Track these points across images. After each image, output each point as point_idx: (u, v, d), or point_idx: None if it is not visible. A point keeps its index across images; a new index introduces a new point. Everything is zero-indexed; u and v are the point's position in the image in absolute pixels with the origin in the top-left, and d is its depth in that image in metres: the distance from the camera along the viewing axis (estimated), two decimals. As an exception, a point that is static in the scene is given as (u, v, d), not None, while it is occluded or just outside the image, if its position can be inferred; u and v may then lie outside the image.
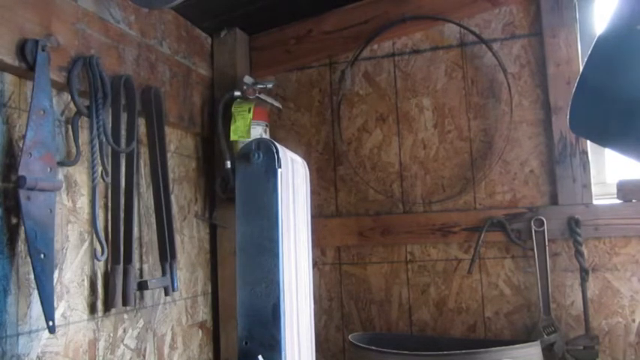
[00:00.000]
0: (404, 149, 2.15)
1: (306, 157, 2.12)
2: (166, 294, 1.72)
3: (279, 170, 1.45)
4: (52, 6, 1.38)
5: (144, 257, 1.71)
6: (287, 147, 1.62)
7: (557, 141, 1.97)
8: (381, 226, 2.11)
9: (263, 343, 1.40)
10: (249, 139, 1.78)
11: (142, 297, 1.69)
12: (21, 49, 1.27)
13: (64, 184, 1.41)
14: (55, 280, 1.34)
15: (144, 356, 1.69)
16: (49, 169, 1.29)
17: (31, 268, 1.25)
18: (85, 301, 1.48)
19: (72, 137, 1.43)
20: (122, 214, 1.56)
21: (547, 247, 1.92)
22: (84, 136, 1.47)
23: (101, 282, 1.53)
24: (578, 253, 1.87)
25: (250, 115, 1.99)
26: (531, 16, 2.05)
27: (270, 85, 2.09)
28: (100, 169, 1.45)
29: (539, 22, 2.03)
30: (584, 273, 1.86)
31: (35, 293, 1.27)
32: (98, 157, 1.44)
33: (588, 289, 1.88)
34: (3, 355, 1.21)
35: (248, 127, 1.98)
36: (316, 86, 2.27)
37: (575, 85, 1.36)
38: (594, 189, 1.95)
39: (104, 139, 1.46)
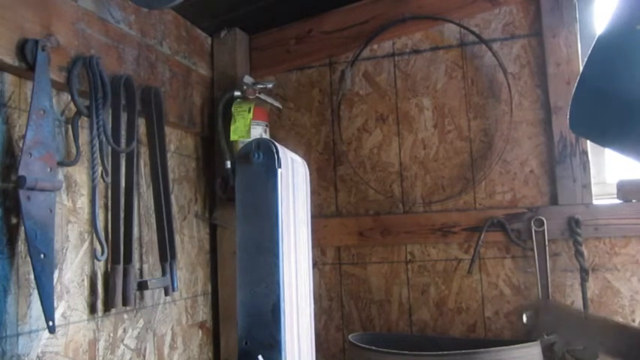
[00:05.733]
0: (404, 149, 2.15)
1: (306, 157, 2.11)
2: (166, 294, 1.72)
3: (279, 170, 1.45)
4: (52, 6, 1.38)
5: (144, 257, 1.71)
6: (287, 147, 1.62)
7: (557, 141, 1.97)
8: (381, 226, 2.11)
9: (263, 343, 1.40)
10: (249, 139, 1.78)
11: (142, 297, 1.69)
12: (21, 49, 1.27)
13: (64, 184, 1.41)
14: (55, 280, 1.34)
15: (144, 356, 1.69)
16: (49, 169, 1.29)
17: (31, 268, 1.25)
18: (85, 301, 1.48)
19: (72, 137, 1.43)
20: (122, 214, 1.55)
21: (547, 247, 1.92)
22: (84, 136, 1.47)
23: (101, 282, 1.53)
24: (578, 253, 1.87)
25: (250, 115, 1.99)
26: (531, 16, 2.05)
27: (270, 85, 2.09)
28: (100, 169, 1.45)
29: (539, 22, 2.03)
30: (584, 273, 1.86)
31: (35, 293, 1.27)
32: (98, 157, 1.44)
33: (588, 289, 1.88)
34: (3, 355, 1.21)
35: (248, 127, 1.98)
36: (316, 86, 2.27)
37: (575, 85, 1.36)
38: (594, 189, 1.95)
39: (104, 139, 1.46)
